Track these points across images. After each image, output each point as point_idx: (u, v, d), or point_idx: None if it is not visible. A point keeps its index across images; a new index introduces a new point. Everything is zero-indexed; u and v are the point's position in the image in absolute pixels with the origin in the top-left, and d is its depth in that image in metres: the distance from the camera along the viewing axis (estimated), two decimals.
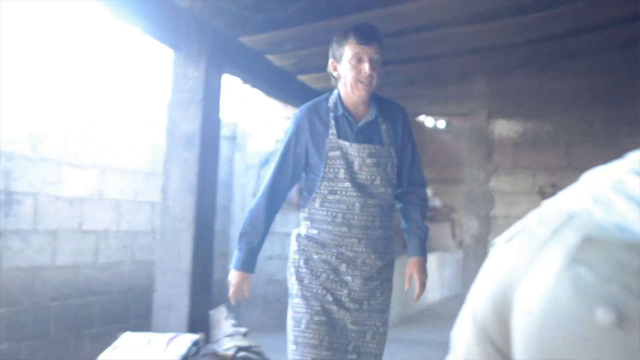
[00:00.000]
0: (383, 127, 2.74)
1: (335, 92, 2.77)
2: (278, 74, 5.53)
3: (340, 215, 2.66)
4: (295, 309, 2.69)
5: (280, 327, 6.47)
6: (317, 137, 2.70)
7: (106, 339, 4.44)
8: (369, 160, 2.67)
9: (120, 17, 3.81)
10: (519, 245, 0.89)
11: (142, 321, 5.06)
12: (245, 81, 5.29)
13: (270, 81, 5.46)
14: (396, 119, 2.78)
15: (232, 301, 2.81)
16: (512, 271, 0.89)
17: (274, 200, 2.76)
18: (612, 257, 0.76)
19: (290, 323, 2.69)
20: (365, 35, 2.64)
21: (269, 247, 6.56)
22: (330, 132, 2.69)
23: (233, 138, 6.84)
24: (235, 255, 2.78)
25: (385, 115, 2.76)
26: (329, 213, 2.67)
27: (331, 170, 2.67)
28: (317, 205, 2.69)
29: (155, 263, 4.31)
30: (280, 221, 6.47)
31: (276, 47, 4.96)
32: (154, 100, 5.44)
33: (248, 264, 2.77)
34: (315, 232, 2.71)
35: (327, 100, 2.76)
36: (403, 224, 2.84)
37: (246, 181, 6.78)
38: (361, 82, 2.65)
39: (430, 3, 4.46)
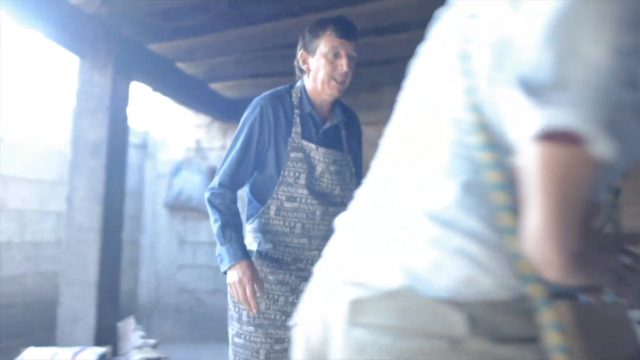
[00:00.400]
0: (343, 133, 2.53)
1: (299, 85, 2.49)
2: (189, 82, 5.48)
3: (299, 225, 2.37)
4: (251, 338, 2.31)
5: (191, 338, 6.39)
6: (279, 132, 2.40)
7: (9, 355, 4.28)
8: (332, 168, 2.43)
9: (21, 21, 3.70)
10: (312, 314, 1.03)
11: (47, 335, 4.91)
12: (155, 89, 5.23)
13: (180, 89, 5.40)
14: (353, 127, 2.58)
15: (254, 310, 2.24)
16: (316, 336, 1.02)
17: (234, 194, 2.39)
18: (379, 311, 0.87)
19: (243, 352, 2.31)
20: (346, 28, 2.38)
21: (180, 256, 6.49)
22: (293, 130, 2.40)
23: (143, 146, 6.73)
24: (225, 250, 2.28)
25: (346, 121, 2.55)
26: (287, 223, 2.37)
27: (291, 173, 2.37)
28: (272, 213, 2.37)
29: (60, 275, 4.19)
30: (193, 229, 6.41)
31: (187, 55, 4.92)
32: (60, 107, 5.30)
33: (247, 252, 2.31)
34: (269, 246, 2.38)
35: (289, 93, 2.46)
36: None
37: (157, 190, 6.68)
38: (335, 79, 2.40)
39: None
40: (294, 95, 2.46)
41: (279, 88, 2.48)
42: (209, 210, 2.37)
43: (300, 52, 2.46)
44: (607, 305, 0.91)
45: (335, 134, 2.50)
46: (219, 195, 2.36)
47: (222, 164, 2.41)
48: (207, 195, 2.38)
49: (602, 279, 0.88)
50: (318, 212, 2.38)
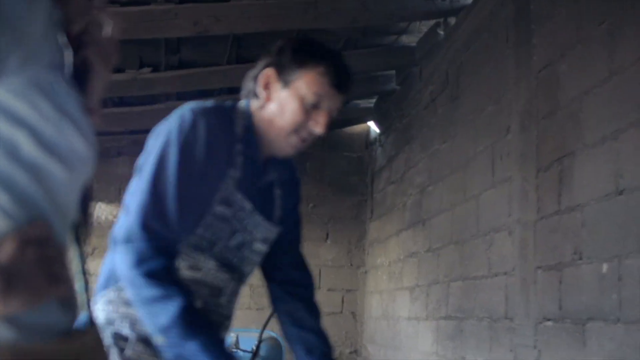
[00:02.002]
0: (277, 192, 1.88)
1: (243, 109, 1.76)
2: None
3: (199, 303, 1.68)
4: None
5: None
6: (209, 169, 1.67)
7: None
8: (257, 246, 1.80)
9: None
10: None
11: None
12: None
13: None
14: (291, 185, 1.94)
15: None
16: None
17: (174, 252, 1.63)
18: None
19: None
20: (344, 76, 1.74)
21: None
22: (230, 172, 1.70)
23: None
24: (198, 349, 1.51)
25: (281, 176, 1.89)
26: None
27: (207, 235, 1.69)
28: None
29: None
30: None
31: None
32: None
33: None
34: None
35: (231, 117, 1.74)
36: (290, 330, 1.92)
37: None
38: (300, 135, 1.73)
39: None
40: (237, 122, 1.75)
41: (216, 103, 1.75)
42: (140, 286, 1.53)
43: (266, 70, 1.73)
44: (75, 333, 0.81)
45: (267, 194, 1.84)
46: (154, 250, 1.55)
47: (140, 197, 1.60)
48: (132, 272, 1.53)
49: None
50: (228, 290, 1.77)
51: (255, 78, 1.76)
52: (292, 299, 1.93)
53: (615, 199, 2.15)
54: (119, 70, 4.38)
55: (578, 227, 2.37)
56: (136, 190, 1.63)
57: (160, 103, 5.06)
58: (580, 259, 2.34)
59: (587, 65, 2.40)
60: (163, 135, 1.67)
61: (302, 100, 1.70)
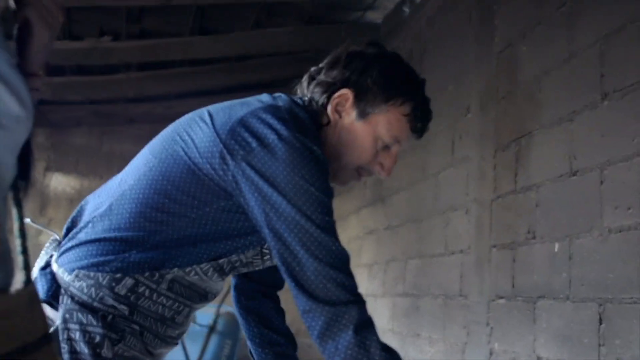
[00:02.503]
0: None
1: (311, 116, 1.44)
2: None
3: (185, 311, 1.47)
4: None
5: None
6: None
7: None
8: (257, 260, 1.50)
9: None
10: None
11: None
12: None
13: None
14: None
15: None
16: None
17: None
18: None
19: None
20: (427, 120, 1.53)
21: None
22: None
23: None
24: None
25: None
26: (174, 306, 1.43)
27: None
28: (163, 286, 1.39)
29: None
30: None
31: None
32: None
33: None
34: (136, 328, 1.40)
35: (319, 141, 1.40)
36: (256, 329, 1.72)
37: None
38: (360, 172, 1.51)
39: None
40: None
41: (303, 116, 1.40)
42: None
43: (343, 90, 1.45)
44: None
45: None
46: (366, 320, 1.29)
47: (326, 242, 1.33)
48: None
49: None
50: (198, 306, 1.53)
51: (327, 89, 1.46)
52: (261, 296, 1.76)
53: (569, 179, 2.18)
54: (77, 37, 4.29)
55: (532, 207, 2.40)
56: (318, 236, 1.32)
57: (121, 73, 4.98)
58: (534, 238, 2.37)
59: (546, 47, 2.41)
60: (293, 184, 1.28)
61: (376, 140, 1.45)
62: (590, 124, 2.10)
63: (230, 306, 4.07)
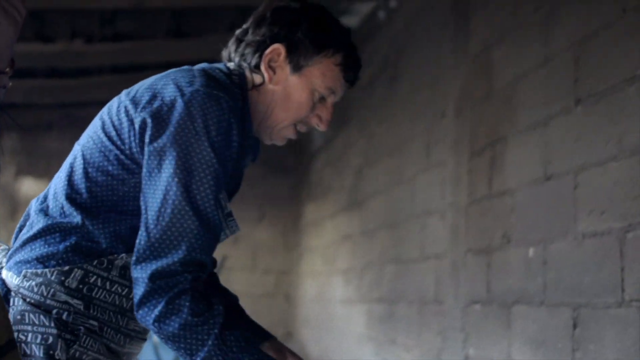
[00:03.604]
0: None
1: (239, 83, 1.44)
2: None
3: (127, 313, 1.41)
4: None
5: None
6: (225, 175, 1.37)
7: None
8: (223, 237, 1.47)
9: None
10: None
11: None
12: None
13: None
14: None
15: None
16: None
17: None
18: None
19: None
20: (358, 69, 1.53)
21: None
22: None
23: None
24: None
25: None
26: (131, 295, 1.36)
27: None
28: (114, 273, 1.35)
29: None
30: None
31: None
32: None
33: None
34: (94, 324, 1.35)
35: (238, 95, 1.40)
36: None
37: None
38: (299, 127, 1.52)
39: None
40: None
41: (217, 76, 1.39)
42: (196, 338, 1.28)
43: (274, 45, 1.44)
44: None
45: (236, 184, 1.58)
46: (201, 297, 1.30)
47: (173, 224, 1.29)
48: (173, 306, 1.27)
49: None
50: None
51: (258, 48, 1.45)
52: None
53: (543, 184, 2.17)
54: (49, 39, 4.23)
55: (507, 212, 2.39)
56: (165, 210, 1.28)
57: (94, 76, 4.92)
58: (509, 242, 2.36)
59: (522, 51, 2.41)
60: (184, 140, 1.28)
61: (312, 92, 1.46)
62: (564, 128, 2.09)
63: None
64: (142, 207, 1.30)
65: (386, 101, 3.90)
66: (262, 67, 1.45)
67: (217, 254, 1.45)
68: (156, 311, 1.26)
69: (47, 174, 6.22)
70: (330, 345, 4.76)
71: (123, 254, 1.35)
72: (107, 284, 1.35)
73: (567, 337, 1.96)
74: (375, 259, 3.87)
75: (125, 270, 1.35)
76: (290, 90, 1.46)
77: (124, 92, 1.42)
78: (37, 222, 1.37)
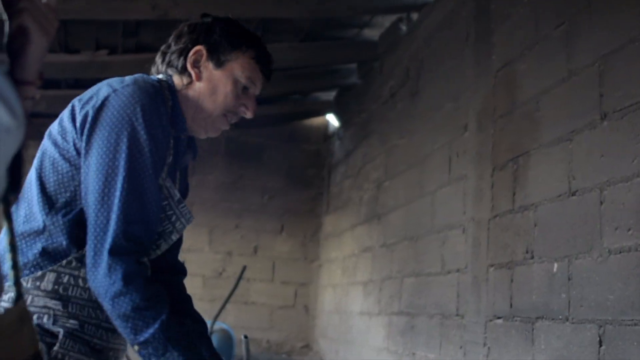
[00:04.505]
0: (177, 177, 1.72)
1: (168, 86, 1.62)
2: None
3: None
4: None
5: None
6: (160, 155, 1.54)
7: None
8: (173, 237, 1.65)
9: None
10: None
11: None
12: None
13: None
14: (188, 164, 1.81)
15: None
16: None
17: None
18: None
19: None
20: (270, 63, 1.73)
21: None
22: (168, 159, 1.59)
23: None
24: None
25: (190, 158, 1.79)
26: (89, 294, 1.46)
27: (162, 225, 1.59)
28: (84, 270, 1.44)
29: None
30: None
31: None
32: None
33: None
34: (74, 324, 1.43)
35: (163, 95, 1.58)
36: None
37: None
38: (228, 118, 1.68)
39: None
40: (166, 101, 1.60)
41: (145, 78, 1.56)
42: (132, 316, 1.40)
43: (196, 47, 1.64)
44: None
45: (183, 178, 1.76)
46: (137, 266, 1.44)
47: (118, 200, 1.43)
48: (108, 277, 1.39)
49: None
50: None
51: (182, 53, 1.65)
52: (173, 286, 1.70)
53: (568, 199, 2.16)
54: (74, 51, 4.28)
55: (530, 227, 2.38)
56: (102, 190, 1.43)
57: None
58: (532, 258, 2.35)
59: (545, 66, 2.41)
60: (115, 123, 1.45)
61: (235, 83, 1.66)
62: (589, 143, 2.08)
63: (223, 323, 4.03)
64: (83, 191, 1.46)
65: (407, 114, 3.90)
66: (189, 67, 1.65)
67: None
68: (114, 289, 1.39)
69: None
70: (349, 358, 4.74)
71: (85, 249, 1.44)
72: (80, 281, 1.45)
73: (593, 354, 1.94)
74: (395, 272, 3.86)
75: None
76: (216, 83, 1.66)
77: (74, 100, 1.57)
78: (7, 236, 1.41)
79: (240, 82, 1.66)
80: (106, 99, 1.47)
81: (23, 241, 1.43)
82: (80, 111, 1.48)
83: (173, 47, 1.67)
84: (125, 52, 4.41)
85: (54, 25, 0.95)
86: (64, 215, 1.46)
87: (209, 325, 4.00)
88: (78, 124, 1.47)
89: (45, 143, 1.54)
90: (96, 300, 1.43)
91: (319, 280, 5.94)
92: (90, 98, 1.50)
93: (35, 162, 1.54)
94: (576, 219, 2.11)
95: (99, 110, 1.46)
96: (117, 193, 1.43)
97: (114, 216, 1.41)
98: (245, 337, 2.73)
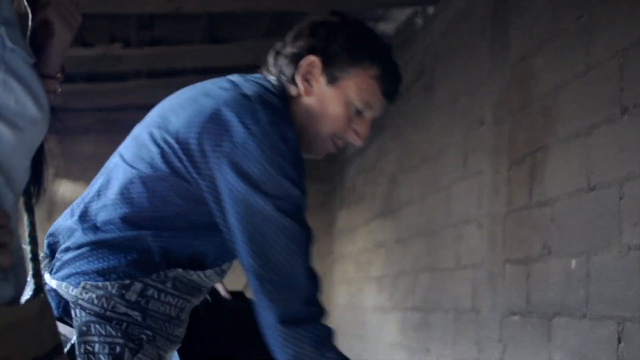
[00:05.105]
0: None
1: (282, 96, 1.44)
2: None
3: (185, 310, 1.44)
4: None
5: None
6: None
7: None
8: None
9: None
10: None
11: None
12: None
13: None
14: None
15: None
16: None
17: None
18: None
19: None
20: (398, 83, 1.52)
21: None
22: None
23: None
24: None
25: None
26: (179, 303, 1.41)
27: None
28: (169, 285, 1.38)
29: None
30: None
31: None
32: None
33: None
34: (149, 334, 1.37)
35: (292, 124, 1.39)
36: None
37: None
38: (336, 142, 1.51)
39: None
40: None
41: (273, 101, 1.38)
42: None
43: (310, 56, 1.44)
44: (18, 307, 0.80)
45: None
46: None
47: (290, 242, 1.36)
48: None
49: None
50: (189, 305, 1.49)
51: (294, 59, 1.45)
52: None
53: (586, 195, 2.14)
54: (88, 44, 4.28)
55: (548, 222, 2.36)
56: (262, 231, 1.32)
57: (130, 80, 4.97)
58: (549, 253, 2.33)
59: (563, 59, 2.38)
60: (259, 170, 1.29)
61: (347, 105, 1.45)
62: (608, 138, 2.06)
63: None
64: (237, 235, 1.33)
65: (422, 109, 3.88)
66: (298, 79, 1.45)
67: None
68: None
69: (83, 177, 6.30)
70: (362, 353, 4.73)
71: (179, 269, 1.37)
72: (162, 295, 1.37)
73: (611, 351, 1.92)
74: (409, 267, 3.84)
75: (175, 281, 1.38)
76: (326, 103, 1.45)
77: (169, 111, 1.42)
78: (86, 235, 1.37)
79: (354, 105, 1.45)
80: (246, 148, 1.29)
81: (116, 248, 1.35)
82: (213, 152, 1.31)
83: (287, 49, 1.47)
84: (139, 46, 4.41)
85: (77, 19, 0.95)
86: (165, 237, 1.37)
87: None
88: (211, 167, 1.31)
89: (155, 160, 1.37)
90: (169, 314, 1.39)
91: (332, 275, 5.93)
92: (220, 137, 1.31)
93: (138, 174, 1.38)
94: (594, 215, 2.08)
95: (240, 162, 1.30)
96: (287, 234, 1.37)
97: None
98: None
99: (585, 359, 2.05)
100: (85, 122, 6.00)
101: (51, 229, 1.47)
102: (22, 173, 0.81)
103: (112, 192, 1.39)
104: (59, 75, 0.99)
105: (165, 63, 4.65)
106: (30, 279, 0.90)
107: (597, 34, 2.18)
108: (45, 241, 1.45)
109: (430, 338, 3.41)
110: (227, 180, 1.30)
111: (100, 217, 1.38)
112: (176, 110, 1.41)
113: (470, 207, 3.05)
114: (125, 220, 1.36)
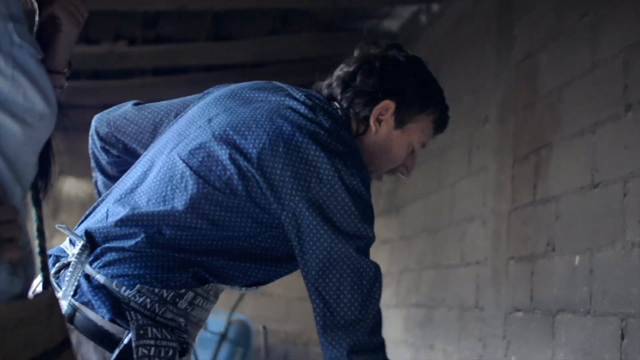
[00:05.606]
0: None
1: (354, 142, 1.46)
2: None
3: (201, 324, 1.48)
4: None
5: None
6: None
7: None
8: None
9: None
10: None
11: None
12: None
13: None
14: None
15: None
16: None
17: None
18: None
19: None
20: (446, 125, 1.65)
21: None
22: None
23: None
24: None
25: None
26: (210, 308, 1.47)
27: None
28: (212, 292, 1.43)
29: None
30: None
31: None
32: None
33: None
34: (186, 337, 1.43)
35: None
36: None
37: None
38: (389, 173, 1.60)
39: None
40: None
41: (337, 126, 1.42)
42: None
43: (387, 102, 1.48)
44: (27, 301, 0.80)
45: None
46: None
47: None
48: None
49: None
50: None
51: (369, 101, 1.48)
52: None
53: (590, 192, 2.14)
54: (93, 41, 4.29)
55: (552, 219, 2.36)
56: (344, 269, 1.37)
57: (135, 78, 4.98)
58: (553, 250, 2.33)
59: (567, 57, 2.38)
60: (342, 214, 1.33)
61: (409, 146, 1.53)
62: (613, 135, 2.06)
63: (242, 314, 4.05)
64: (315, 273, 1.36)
65: None
66: (371, 121, 1.49)
67: None
68: None
69: (88, 174, 6.31)
70: None
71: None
72: (204, 302, 1.41)
73: (614, 348, 1.93)
74: (414, 264, 3.85)
75: (214, 290, 1.42)
76: (391, 144, 1.51)
77: (240, 124, 1.39)
78: (149, 242, 1.35)
79: (413, 145, 1.54)
80: (333, 190, 1.33)
81: (176, 262, 1.37)
82: (298, 194, 1.33)
83: (359, 85, 1.49)
84: (145, 43, 4.42)
85: (83, 14, 0.96)
86: (218, 259, 1.40)
87: (226, 317, 4.03)
88: (296, 204, 1.33)
89: (235, 184, 1.36)
90: (203, 318, 1.44)
91: None
92: (309, 176, 1.33)
93: (208, 191, 1.37)
94: (599, 212, 2.09)
95: (325, 205, 1.33)
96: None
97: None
98: (264, 328, 2.75)
99: (588, 356, 2.06)
100: (90, 119, 6.00)
101: (93, 216, 1.45)
102: (30, 168, 0.82)
103: (181, 202, 1.36)
104: (65, 70, 1.00)
105: (170, 60, 4.66)
106: (38, 272, 0.91)
107: (601, 32, 2.19)
108: (81, 228, 1.43)
109: (434, 335, 3.42)
110: (310, 218, 1.32)
111: (168, 231, 1.36)
112: (250, 126, 1.38)
113: (474, 205, 3.05)
114: (195, 240, 1.37)
